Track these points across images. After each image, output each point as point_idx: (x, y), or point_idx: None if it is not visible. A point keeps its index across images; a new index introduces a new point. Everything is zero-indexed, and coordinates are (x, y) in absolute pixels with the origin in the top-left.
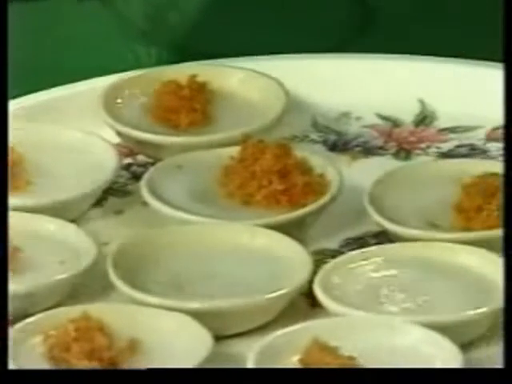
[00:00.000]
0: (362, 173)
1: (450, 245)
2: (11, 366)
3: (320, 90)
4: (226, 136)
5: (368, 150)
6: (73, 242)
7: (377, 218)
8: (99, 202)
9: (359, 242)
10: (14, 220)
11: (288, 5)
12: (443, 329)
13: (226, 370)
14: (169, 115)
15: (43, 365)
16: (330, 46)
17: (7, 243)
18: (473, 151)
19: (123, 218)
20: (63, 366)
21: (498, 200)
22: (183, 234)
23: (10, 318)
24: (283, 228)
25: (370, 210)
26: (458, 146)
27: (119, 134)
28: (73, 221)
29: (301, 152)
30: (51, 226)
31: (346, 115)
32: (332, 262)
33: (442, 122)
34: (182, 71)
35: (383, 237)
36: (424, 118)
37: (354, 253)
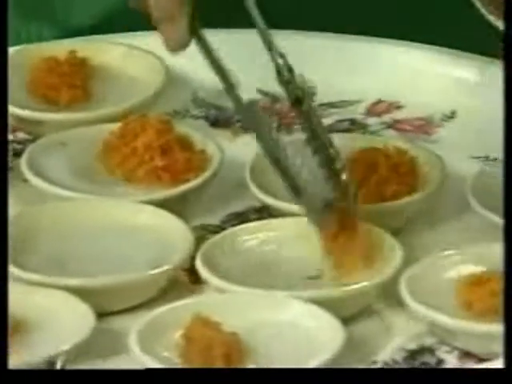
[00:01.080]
0: (244, 148)
1: None
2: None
3: (201, 65)
4: (106, 112)
5: None
6: None
7: (258, 193)
8: None
9: (241, 218)
10: None
11: None
12: (325, 303)
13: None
14: (48, 92)
15: None
16: (209, 21)
17: (7, 243)
18: (353, 126)
19: None
20: None
21: (379, 174)
22: (64, 210)
23: None
24: (165, 204)
25: (252, 186)
26: (339, 121)
27: None
28: None
29: (182, 128)
30: None
31: None
32: (214, 238)
33: (322, 97)
34: (61, 47)
35: (265, 212)
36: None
37: (235, 228)
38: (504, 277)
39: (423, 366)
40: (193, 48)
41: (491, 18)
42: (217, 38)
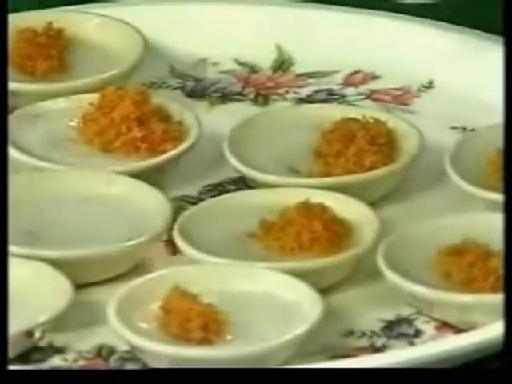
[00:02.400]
0: (220, 119)
1: (308, 190)
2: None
3: (177, 36)
4: (83, 83)
5: (226, 96)
6: None
7: (235, 164)
8: None
9: (218, 189)
10: None
11: None
12: (303, 274)
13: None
14: (25, 62)
15: None
16: None
17: (6, 242)
18: (330, 96)
19: None
20: None
21: (357, 145)
22: (40, 180)
23: None
24: (142, 175)
25: (229, 157)
26: (316, 92)
27: None
28: None
29: (159, 99)
30: None
31: (203, 61)
32: (191, 209)
33: (300, 68)
34: (38, 18)
35: (242, 183)
36: (282, 64)
37: (213, 199)
38: (504, 268)
39: (401, 337)
40: (169, 18)
41: None
42: (193, 8)
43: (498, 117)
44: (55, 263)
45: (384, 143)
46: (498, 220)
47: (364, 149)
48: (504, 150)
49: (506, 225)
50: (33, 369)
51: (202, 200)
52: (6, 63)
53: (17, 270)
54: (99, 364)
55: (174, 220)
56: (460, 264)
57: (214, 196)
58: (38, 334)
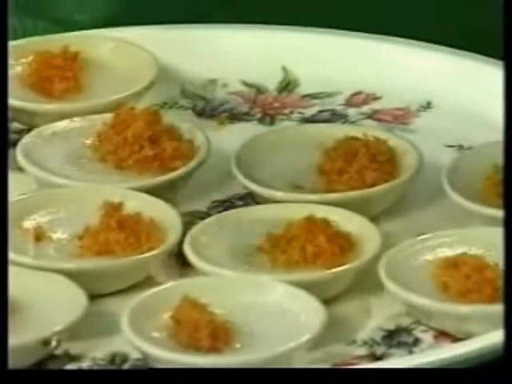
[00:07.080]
0: (229, 138)
1: (313, 205)
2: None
3: (188, 58)
4: (98, 103)
5: (234, 116)
6: None
7: (243, 180)
8: None
9: (226, 204)
10: None
11: None
12: (308, 286)
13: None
14: (42, 84)
15: None
16: (195, 15)
17: (6, 241)
18: (334, 116)
19: None
20: None
21: (358, 162)
22: (57, 196)
23: None
24: (154, 191)
25: (237, 173)
26: (320, 112)
27: None
28: None
29: (170, 118)
30: None
31: (212, 82)
32: (201, 224)
33: (304, 89)
34: (54, 41)
35: (249, 199)
36: (287, 85)
37: (221, 214)
38: (505, 270)
39: (400, 345)
40: (181, 41)
41: None
42: (203, 32)
43: (493, 135)
44: (71, 275)
45: (384, 160)
46: (493, 234)
47: (365, 166)
48: (504, 166)
49: (506, 238)
50: (33, 369)
51: (211, 215)
52: (6, 72)
53: (34, 281)
54: None
55: (184, 234)
56: (457, 276)
57: (222, 211)
58: (54, 343)
